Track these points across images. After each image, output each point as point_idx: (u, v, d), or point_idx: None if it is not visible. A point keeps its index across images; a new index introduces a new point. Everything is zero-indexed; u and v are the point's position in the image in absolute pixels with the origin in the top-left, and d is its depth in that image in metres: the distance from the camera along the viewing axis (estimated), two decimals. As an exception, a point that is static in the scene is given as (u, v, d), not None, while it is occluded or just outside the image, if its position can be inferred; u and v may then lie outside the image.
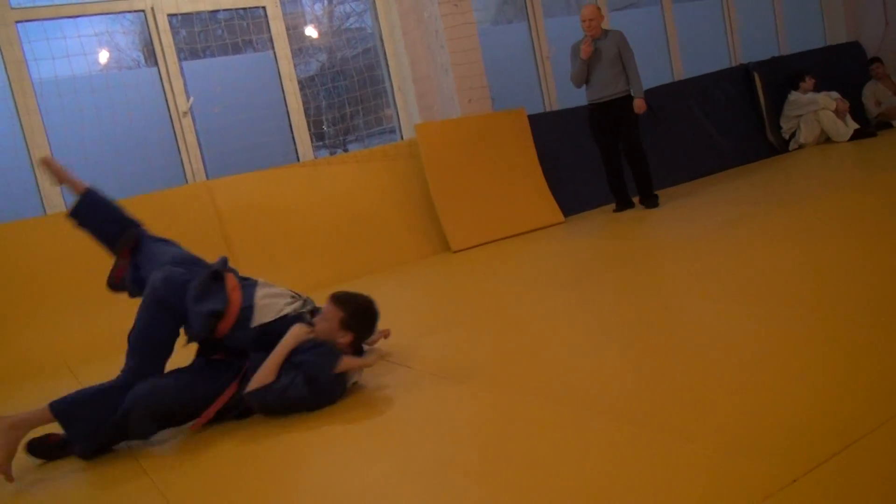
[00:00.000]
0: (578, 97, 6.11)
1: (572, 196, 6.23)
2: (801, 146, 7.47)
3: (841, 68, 8.01)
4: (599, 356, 2.64)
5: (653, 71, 7.38)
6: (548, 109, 6.88)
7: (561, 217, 6.01)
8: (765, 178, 6.16)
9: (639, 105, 5.68)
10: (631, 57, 5.66)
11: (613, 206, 5.97)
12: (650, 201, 5.77)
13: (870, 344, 2.21)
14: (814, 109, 7.34)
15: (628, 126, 5.71)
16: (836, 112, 7.31)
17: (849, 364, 2.10)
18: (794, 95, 7.47)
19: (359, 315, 2.78)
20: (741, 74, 7.72)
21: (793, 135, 7.54)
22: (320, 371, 2.59)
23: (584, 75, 5.71)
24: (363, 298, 2.84)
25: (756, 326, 2.58)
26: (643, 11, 7.73)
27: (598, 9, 5.69)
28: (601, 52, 5.64)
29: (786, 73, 7.62)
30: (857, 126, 7.29)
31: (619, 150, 5.79)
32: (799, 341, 2.35)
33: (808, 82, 7.47)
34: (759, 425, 1.81)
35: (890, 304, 2.52)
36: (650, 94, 7.05)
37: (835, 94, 7.41)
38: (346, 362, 2.64)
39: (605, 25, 5.83)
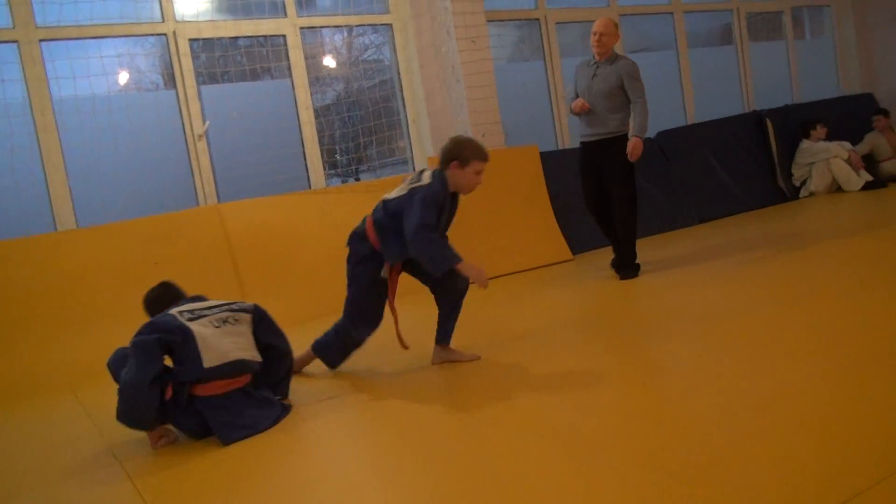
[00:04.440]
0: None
1: (582, 234, 6.23)
2: (811, 194, 7.47)
3: (853, 119, 8.03)
4: (604, 398, 2.61)
5: (666, 114, 7.44)
6: (560, 147, 6.92)
7: (569, 254, 6.00)
8: (775, 223, 6.15)
9: (633, 146, 4.57)
10: (638, 90, 4.62)
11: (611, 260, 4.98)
12: (628, 271, 4.77)
13: (873, 395, 2.18)
14: (826, 158, 7.35)
15: (617, 173, 4.68)
16: (850, 163, 7.32)
17: (850, 416, 2.07)
18: (805, 144, 7.49)
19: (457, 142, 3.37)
20: (754, 121, 7.76)
21: (804, 182, 7.55)
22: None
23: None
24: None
25: (761, 371, 2.55)
26: (659, 55, 7.81)
27: (615, 24, 4.72)
28: (598, 78, 4.70)
29: (798, 121, 7.65)
30: (869, 178, 7.29)
31: (605, 201, 4.83)
32: (804, 389, 2.33)
33: (820, 131, 7.49)
34: (761, 474, 1.78)
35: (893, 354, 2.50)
36: (663, 137, 7.11)
37: (847, 145, 7.43)
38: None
39: (619, 49, 4.83)
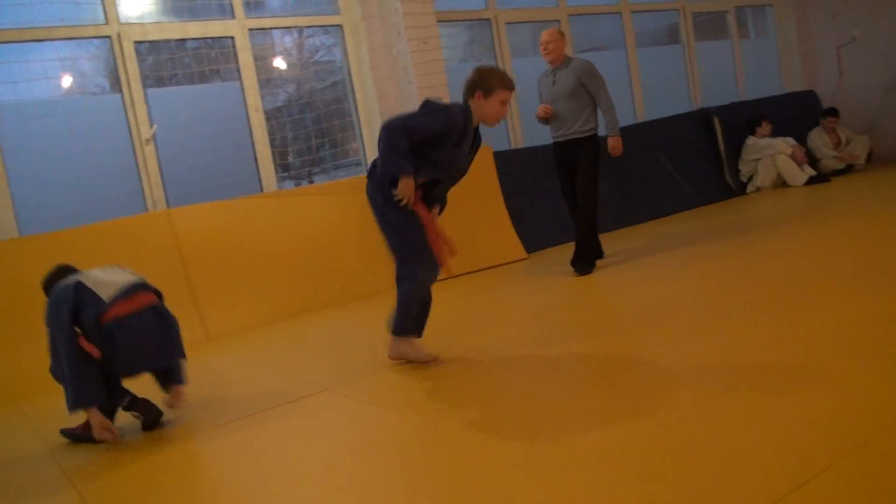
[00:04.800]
0: (543, 136, 6.19)
1: (536, 233, 6.29)
2: (758, 189, 7.66)
3: (796, 115, 8.27)
4: (573, 397, 2.63)
5: (617, 112, 7.54)
6: (513, 147, 6.97)
7: (524, 253, 6.05)
8: (724, 218, 6.29)
9: (613, 145, 5.03)
10: (600, 88, 4.97)
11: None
12: (585, 266, 4.93)
13: (820, 384, 2.25)
14: (771, 154, 7.57)
15: (585, 170, 4.98)
16: (794, 159, 7.53)
17: (797, 404, 2.13)
18: (751, 140, 7.69)
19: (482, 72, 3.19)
20: (701, 118, 7.92)
21: (750, 178, 7.75)
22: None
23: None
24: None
25: (709, 360, 2.60)
26: (608, 54, 7.92)
27: (560, 33, 5.08)
28: (558, 84, 5.01)
29: (744, 118, 7.84)
30: (813, 173, 7.51)
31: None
32: (755, 377, 2.38)
33: (765, 127, 7.70)
34: (719, 465, 1.82)
35: (837, 345, 2.57)
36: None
37: (791, 141, 7.65)
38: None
39: (570, 50, 5.16)
